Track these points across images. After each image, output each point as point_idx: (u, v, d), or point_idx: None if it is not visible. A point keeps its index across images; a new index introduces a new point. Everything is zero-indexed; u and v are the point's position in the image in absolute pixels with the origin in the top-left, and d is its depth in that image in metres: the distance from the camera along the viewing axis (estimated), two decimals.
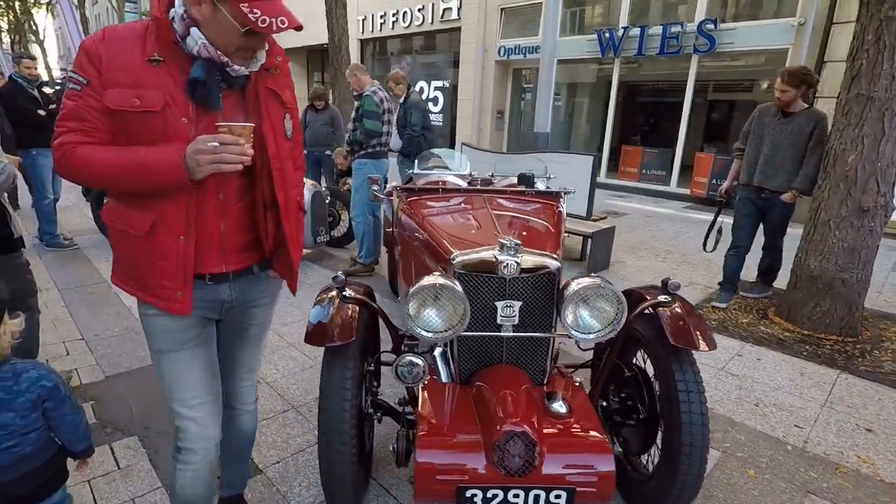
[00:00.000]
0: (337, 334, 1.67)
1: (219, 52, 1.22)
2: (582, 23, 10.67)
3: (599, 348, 2.12)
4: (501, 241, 1.76)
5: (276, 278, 1.56)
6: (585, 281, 1.68)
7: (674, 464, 1.69)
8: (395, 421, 1.97)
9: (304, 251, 4.63)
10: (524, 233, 2.10)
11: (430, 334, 1.66)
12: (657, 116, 10.91)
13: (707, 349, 1.68)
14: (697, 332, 1.71)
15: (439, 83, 13.63)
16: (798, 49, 7.43)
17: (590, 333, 1.70)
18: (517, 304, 1.78)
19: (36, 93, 4.83)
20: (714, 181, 8.28)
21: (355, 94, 4.49)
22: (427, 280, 1.64)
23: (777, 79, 3.75)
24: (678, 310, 1.79)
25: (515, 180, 3.14)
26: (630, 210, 8.07)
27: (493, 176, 3.17)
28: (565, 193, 2.96)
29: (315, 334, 1.73)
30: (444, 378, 1.90)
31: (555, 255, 1.83)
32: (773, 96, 3.82)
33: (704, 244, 4.46)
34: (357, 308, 1.79)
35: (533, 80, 11.51)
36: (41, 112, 4.79)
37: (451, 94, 13.31)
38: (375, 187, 3.09)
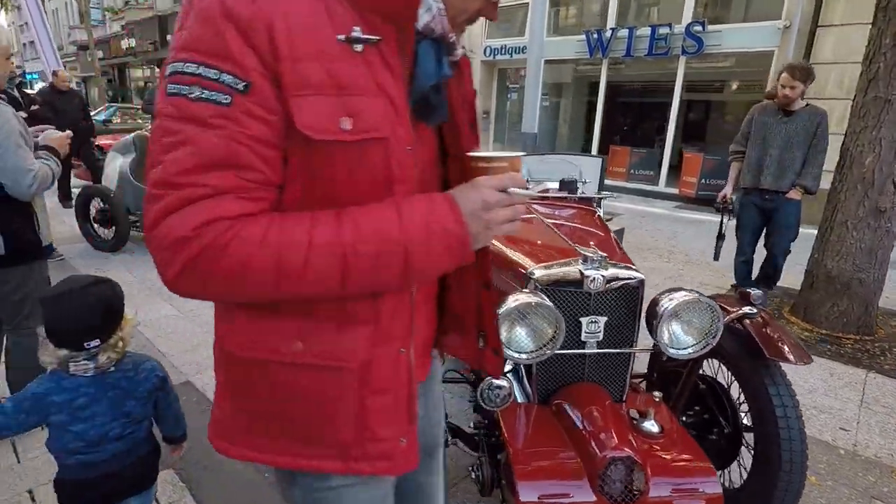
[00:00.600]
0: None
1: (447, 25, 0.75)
2: (569, 23, 10.73)
3: (657, 359, 2.06)
4: (586, 253, 1.68)
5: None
6: (680, 295, 1.61)
7: (771, 480, 1.64)
8: (465, 445, 1.86)
9: None
10: (591, 242, 2.02)
11: (522, 355, 1.57)
12: (645, 117, 11.07)
13: (803, 363, 1.63)
14: (788, 346, 1.67)
15: None
16: (784, 51, 7.61)
17: (684, 349, 1.64)
18: (602, 320, 1.70)
19: (16, 92, 4.51)
20: (703, 181, 8.43)
21: None
22: (516, 299, 1.54)
23: (782, 75, 3.59)
24: (766, 322, 1.74)
25: (549, 186, 3.07)
26: (622, 210, 8.12)
27: (528, 181, 3.08)
28: (601, 198, 2.91)
29: None
30: (520, 398, 1.81)
31: (636, 267, 1.76)
32: (780, 94, 3.61)
33: (716, 256, 4.24)
34: None
35: (519, 80, 11.52)
36: (22, 114, 4.47)
37: None
38: None
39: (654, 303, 1.65)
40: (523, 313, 1.54)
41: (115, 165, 5.20)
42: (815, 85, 7.45)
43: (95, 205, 5.01)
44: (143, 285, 4.17)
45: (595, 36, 9.38)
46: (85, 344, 1.28)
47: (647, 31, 8.78)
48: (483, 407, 1.58)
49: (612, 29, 9.24)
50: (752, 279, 4.17)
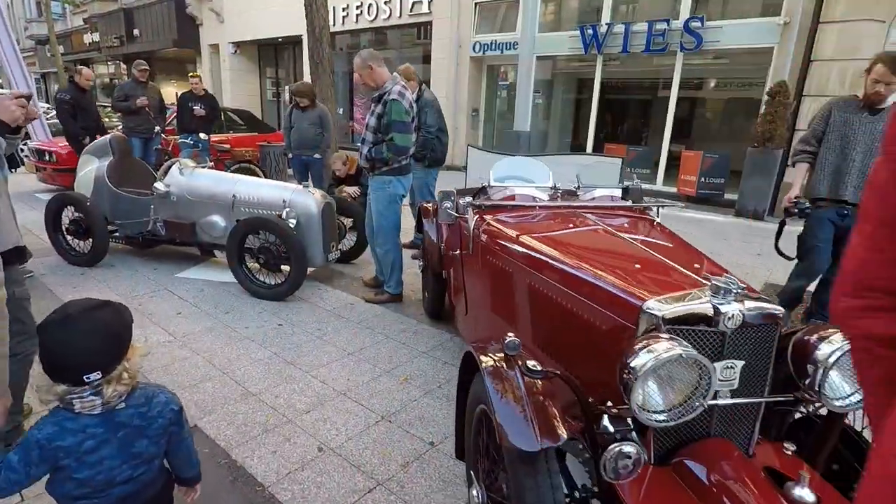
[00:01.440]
0: (544, 432, 1.21)
1: None
2: (562, 18, 10.48)
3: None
4: (716, 283, 1.37)
5: None
6: (839, 338, 1.32)
7: None
8: None
9: (310, 269, 4.08)
10: (696, 265, 1.72)
11: (661, 416, 1.25)
12: (641, 114, 10.91)
13: None
14: None
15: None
16: (784, 48, 7.51)
17: (845, 398, 1.35)
18: (739, 365, 1.40)
19: None
20: (703, 179, 8.29)
21: (371, 91, 3.68)
22: (653, 350, 1.22)
23: (876, 67, 2.94)
24: None
25: (599, 193, 2.77)
26: None
27: (578, 188, 2.78)
28: (660, 207, 2.63)
29: (515, 437, 1.23)
30: None
31: (769, 297, 1.46)
32: (870, 90, 3.00)
33: (783, 254, 3.39)
34: (551, 385, 1.34)
35: (510, 76, 11.24)
36: None
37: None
38: (447, 204, 2.61)
39: (808, 345, 1.36)
40: (669, 368, 1.22)
41: (90, 169, 4.69)
42: (815, 82, 7.44)
43: (68, 214, 4.50)
44: (127, 305, 3.71)
45: (590, 31, 9.15)
46: (85, 377, 1.14)
47: (643, 26, 8.59)
48: (604, 479, 1.27)
49: (608, 24, 9.02)
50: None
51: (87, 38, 23.50)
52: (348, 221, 4.90)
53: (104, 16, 21.17)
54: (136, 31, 19.26)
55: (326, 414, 2.52)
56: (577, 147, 10.90)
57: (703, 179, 8.32)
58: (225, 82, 17.49)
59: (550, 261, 1.85)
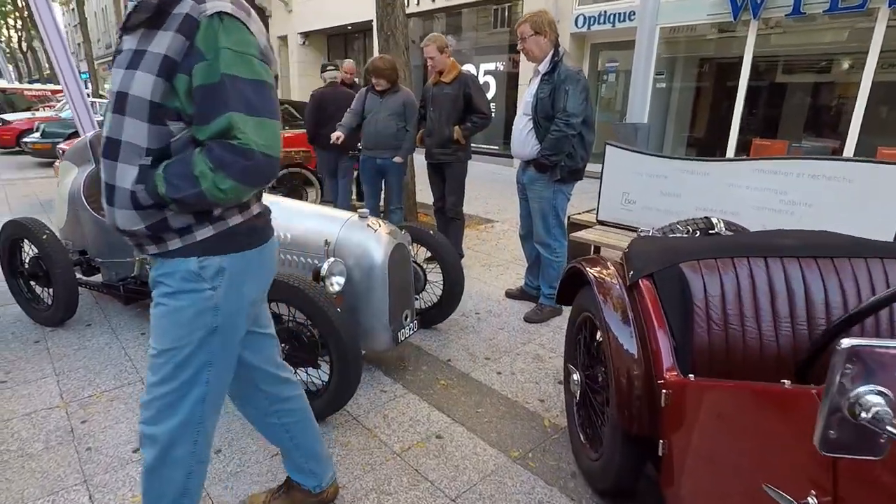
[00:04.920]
0: None
1: None
2: None
3: None
4: None
5: None
6: None
7: None
8: None
9: (376, 350, 2.40)
10: None
11: None
12: (812, 101, 8.23)
13: None
14: None
15: (490, 66, 11.28)
16: None
17: None
18: None
19: None
20: None
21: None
22: None
23: None
24: None
25: None
26: None
27: None
28: None
29: None
30: None
31: None
32: None
33: None
34: None
35: (620, 56, 9.12)
36: None
37: (507, 79, 10.97)
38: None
39: None
40: None
41: (67, 183, 3.28)
42: None
43: (28, 250, 3.10)
44: (68, 416, 2.19)
45: None
46: None
47: None
48: None
49: None
50: None
51: None
52: (423, 252, 3.18)
53: None
54: None
55: None
56: (703, 146, 8.59)
57: None
58: (293, 76, 16.52)
59: None
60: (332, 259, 2.28)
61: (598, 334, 1.82)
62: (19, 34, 24.12)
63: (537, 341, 3.02)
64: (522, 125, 3.06)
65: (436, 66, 3.82)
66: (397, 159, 4.01)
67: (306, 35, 15.85)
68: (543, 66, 2.99)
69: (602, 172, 3.97)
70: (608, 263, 1.83)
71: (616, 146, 3.93)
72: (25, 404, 2.31)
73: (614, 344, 1.58)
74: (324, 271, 2.23)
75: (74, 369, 2.61)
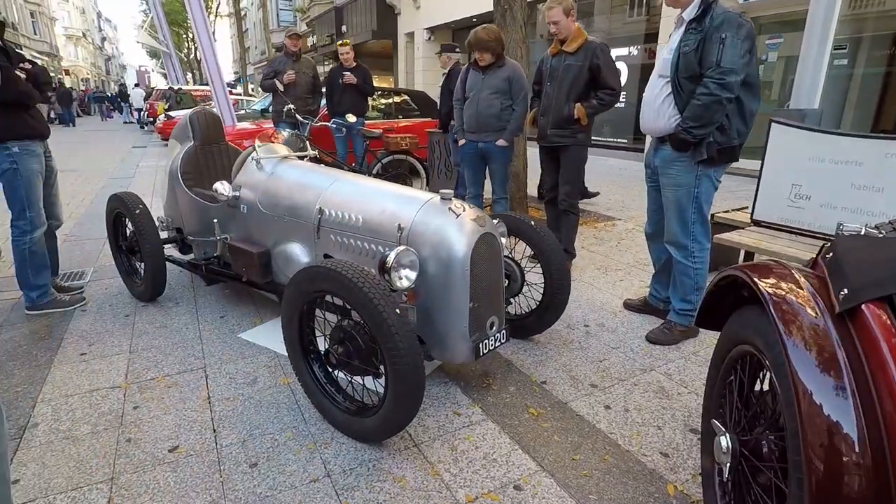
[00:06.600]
0: None
1: None
2: None
3: None
4: None
5: None
6: None
7: None
8: None
9: (451, 362, 1.94)
10: None
11: None
12: None
13: None
14: None
15: (623, 51, 10.23)
16: None
17: None
18: None
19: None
20: None
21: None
22: None
23: None
24: None
25: None
26: None
27: None
28: None
29: None
30: None
31: None
32: None
33: None
34: None
35: (786, 32, 7.64)
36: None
37: (640, 70, 9.87)
38: None
39: None
40: None
41: (169, 161, 3.30)
42: None
43: (128, 224, 3.15)
44: (134, 393, 2.05)
45: None
46: None
47: None
48: None
49: None
50: None
51: (310, 40, 25.59)
52: (522, 248, 2.66)
53: (320, 17, 22.55)
54: (343, 27, 19.86)
55: None
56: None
57: None
58: (418, 72, 16.76)
59: None
60: (401, 248, 1.86)
61: (766, 381, 1.16)
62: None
63: (663, 369, 2.34)
64: (658, 90, 2.39)
65: (560, 33, 3.25)
66: (500, 143, 3.50)
67: (432, 30, 15.92)
68: (690, 11, 2.29)
69: (763, 159, 3.09)
70: (796, 274, 1.15)
71: (785, 123, 3.02)
72: (92, 380, 2.23)
73: (808, 407, 0.94)
74: (390, 261, 1.82)
75: (148, 348, 2.52)
